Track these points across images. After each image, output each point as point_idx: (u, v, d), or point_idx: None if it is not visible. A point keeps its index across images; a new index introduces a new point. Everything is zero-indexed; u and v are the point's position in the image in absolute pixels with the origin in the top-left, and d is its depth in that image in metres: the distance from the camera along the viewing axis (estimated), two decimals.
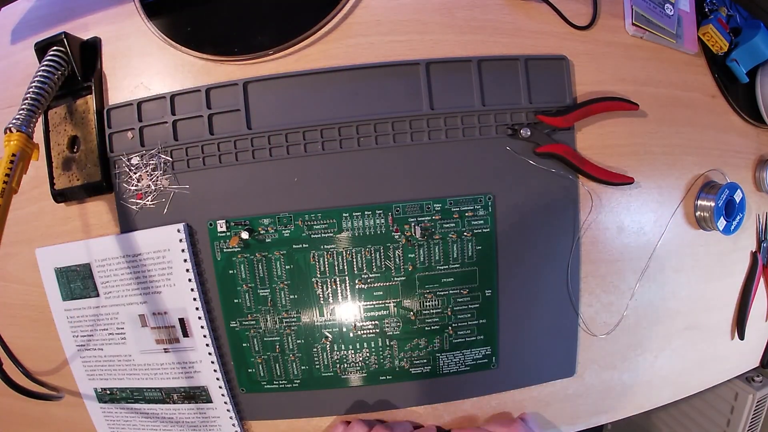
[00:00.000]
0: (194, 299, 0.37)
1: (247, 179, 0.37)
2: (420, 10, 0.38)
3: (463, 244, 0.38)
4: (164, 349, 0.39)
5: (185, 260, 0.37)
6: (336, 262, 0.37)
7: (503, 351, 0.40)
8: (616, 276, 0.41)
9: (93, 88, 0.37)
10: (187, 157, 0.37)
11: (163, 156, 0.37)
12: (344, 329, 0.38)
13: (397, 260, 0.37)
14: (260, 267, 0.37)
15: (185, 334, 0.38)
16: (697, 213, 0.43)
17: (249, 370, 0.39)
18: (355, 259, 0.37)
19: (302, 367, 0.39)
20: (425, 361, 0.39)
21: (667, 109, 0.42)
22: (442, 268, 0.38)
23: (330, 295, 0.38)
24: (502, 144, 0.38)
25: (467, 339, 0.39)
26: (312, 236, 0.37)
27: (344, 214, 0.37)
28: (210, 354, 0.38)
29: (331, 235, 0.37)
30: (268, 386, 0.39)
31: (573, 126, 0.39)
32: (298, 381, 0.39)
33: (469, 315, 0.39)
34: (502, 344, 0.40)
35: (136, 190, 0.37)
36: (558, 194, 0.39)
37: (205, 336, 0.38)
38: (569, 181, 0.39)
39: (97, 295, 0.39)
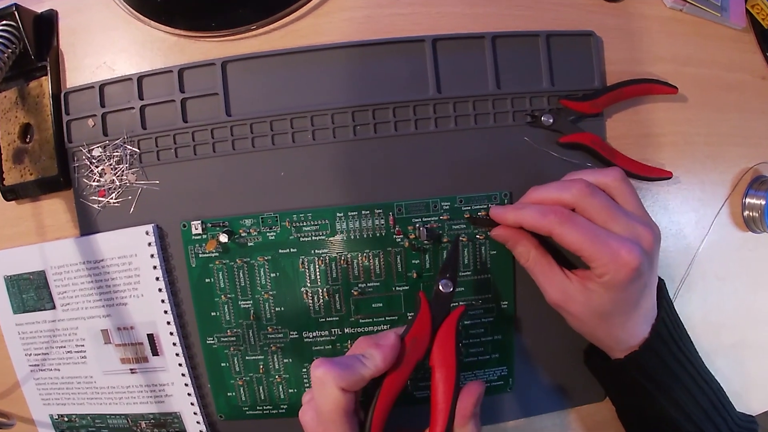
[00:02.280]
0: (165, 312, 0.35)
1: (227, 174, 0.35)
2: None
3: (476, 248, 0.35)
4: (131, 369, 0.37)
5: (155, 267, 0.35)
6: (329, 270, 0.35)
7: (521, 372, 0.37)
8: None
9: (48, 68, 0.36)
10: (156, 148, 0.35)
11: (129, 147, 0.36)
12: (338, 347, 0.36)
13: (400, 267, 0.35)
14: (241, 275, 0.35)
15: (155, 353, 0.36)
16: (745, 212, 0.40)
17: (228, 394, 0.36)
18: (350, 266, 0.35)
19: (290, 390, 0.36)
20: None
21: (710, 92, 0.39)
22: None
23: (322, 307, 0.35)
24: (520, 133, 0.36)
25: (480, 358, 0.37)
26: (301, 239, 0.35)
27: (338, 214, 0.35)
28: (183, 375, 0.36)
29: (323, 238, 0.35)
30: (251, 412, 0.37)
31: (602, 112, 0.36)
32: (285, 406, 0.36)
33: (482, 330, 0.36)
34: (519, 364, 0.37)
35: (98, 186, 0.36)
36: None
37: (177, 354, 0.36)
38: None
39: (54, 307, 0.37)
